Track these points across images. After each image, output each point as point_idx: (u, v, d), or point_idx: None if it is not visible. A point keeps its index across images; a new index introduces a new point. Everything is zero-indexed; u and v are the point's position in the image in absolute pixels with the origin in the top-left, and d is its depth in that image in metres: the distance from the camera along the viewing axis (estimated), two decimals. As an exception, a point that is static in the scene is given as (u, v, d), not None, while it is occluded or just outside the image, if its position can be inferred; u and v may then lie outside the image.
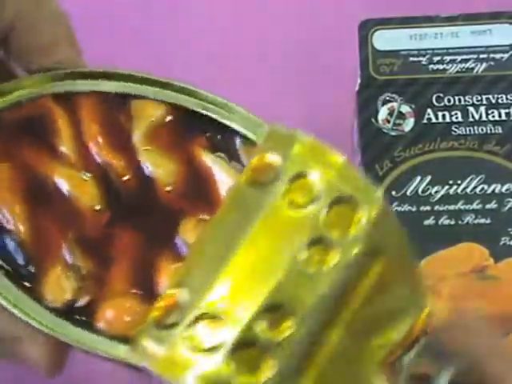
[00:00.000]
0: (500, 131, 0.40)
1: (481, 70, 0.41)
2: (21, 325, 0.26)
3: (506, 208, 0.38)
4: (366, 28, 0.43)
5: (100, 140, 0.29)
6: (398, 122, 0.40)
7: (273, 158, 0.25)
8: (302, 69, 0.48)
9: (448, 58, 0.42)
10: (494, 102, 0.41)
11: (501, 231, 0.37)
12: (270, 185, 0.24)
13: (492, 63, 0.41)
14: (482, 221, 0.38)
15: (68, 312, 0.26)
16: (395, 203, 0.38)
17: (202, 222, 0.28)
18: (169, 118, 0.30)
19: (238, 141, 0.30)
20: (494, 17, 0.43)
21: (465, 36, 0.42)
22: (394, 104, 0.41)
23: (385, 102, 0.41)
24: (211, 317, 0.23)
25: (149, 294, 0.27)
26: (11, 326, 0.27)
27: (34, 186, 0.28)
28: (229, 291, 0.23)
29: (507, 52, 0.42)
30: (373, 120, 0.41)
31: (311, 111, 0.47)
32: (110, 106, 0.30)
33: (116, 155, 0.29)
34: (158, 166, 0.29)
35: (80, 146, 0.29)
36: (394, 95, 0.41)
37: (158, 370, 0.23)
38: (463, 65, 0.42)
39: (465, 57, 0.42)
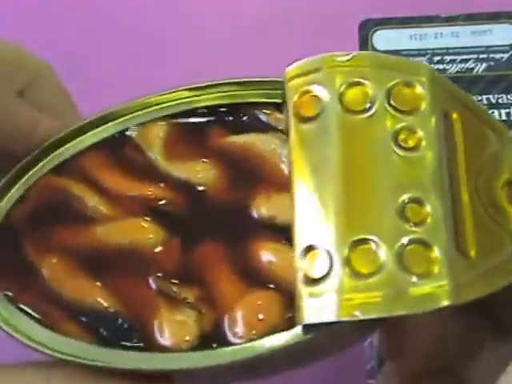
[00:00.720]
0: (500, 131, 0.40)
1: (481, 70, 0.41)
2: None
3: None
4: (366, 28, 0.43)
5: (129, 181, 0.29)
6: (398, 122, 0.40)
7: (312, 89, 0.27)
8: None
9: (448, 57, 0.42)
10: (494, 102, 0.41)
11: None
12: (322, 112, 0.27)
13: (492, 63, 0.41)
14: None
15: (203, 344, 0.26)
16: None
17: (272, 193, 0.28)
18: (175, 130, 0.30)
19: (253, 110, 0.29)
20: (494, 17, 0.43)
21: (465, 36, 0.42)
22: (394, 104, 0.41)
23: (385, 102, 0.41)
24: (359, 244, 0.25)
25: (267, 283, 0.26)
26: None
27: (91, 259, 0.28)
28: (358, 216, 0.25)
29: (507, 52, 0.42)
30: (373, 120, 0.41)
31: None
32: (113, 149, 0.30)
33: (153, 187, 0.29)
34: (195, 173, 0.29)
35: (109, 198, 0.29)
36: (394, 95, 0.41)
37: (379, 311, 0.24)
38: (463, 65, 0.42)
39: (465, 57, 0.42)
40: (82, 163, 0.29)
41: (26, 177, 0.29)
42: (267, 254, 0.27)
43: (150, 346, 0.26)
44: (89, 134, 0.30)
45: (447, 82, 0.28)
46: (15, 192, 0.29)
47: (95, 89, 0.46)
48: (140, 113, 0.30)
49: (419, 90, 0.27)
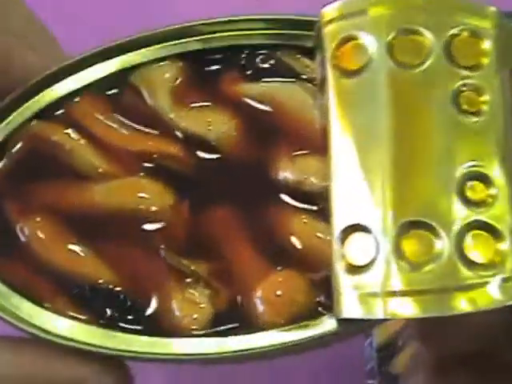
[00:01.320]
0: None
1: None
2: (86, 367, 0.23)
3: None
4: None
5: (129, 133, 0.25)
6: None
7: (355, 36, 0.23)
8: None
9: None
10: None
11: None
12: (368, 65, 0.22)
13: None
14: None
15: (218, 327, 0.22)
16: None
17: (298, 153, 0.24)
18: (184, 73, 0.25)
19: (276, 54, 0.25)
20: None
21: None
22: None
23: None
24: (410, 228, 0.21)
25: (291, 260, 0.23)
26: (78, 367, 0.23)
27: (83, 224, 0.24)
28: (409, 194, 0.21)
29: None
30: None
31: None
32: (108, 93, 0.25)
33: (157, 141, 0.24)
34: (208, 125, 0.24)
35: (105, 152, 0.24)
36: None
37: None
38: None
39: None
40: (72, 109, 0.25)
41: (5, 122, 0.24)
42: (294, 228, 0.23)
43: (156, 328, 0.22)
44: (81, 73, 0.25)
45: None
46: None
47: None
48: (143, 50, 0.25)
49: (485, 40, 0.22)
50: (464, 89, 0.22)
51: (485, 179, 0.22)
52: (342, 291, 0.21)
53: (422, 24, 0.22)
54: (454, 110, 0.22)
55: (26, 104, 0.24)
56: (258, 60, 0.24)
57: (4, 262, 0.23)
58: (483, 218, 0.21)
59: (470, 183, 0.21)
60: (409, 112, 0.22)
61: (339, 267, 0.21)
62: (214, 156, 0.24)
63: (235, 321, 0.22)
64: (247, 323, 0.22)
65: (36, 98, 0.24)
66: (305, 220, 0.23)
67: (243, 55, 0.25)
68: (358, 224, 0.22)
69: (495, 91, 0.22)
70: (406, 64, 0.22)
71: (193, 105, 0.24)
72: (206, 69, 0.25)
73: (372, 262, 0.21)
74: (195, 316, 0.22)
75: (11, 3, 0.26)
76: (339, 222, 0.22)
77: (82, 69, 0.25)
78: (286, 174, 0.23)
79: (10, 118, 0.24)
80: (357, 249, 0.21)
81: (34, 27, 0.27)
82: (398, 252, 0.21)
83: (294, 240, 0.23)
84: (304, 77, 0.24)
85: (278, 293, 0.22)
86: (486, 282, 0.21)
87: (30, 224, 0.24)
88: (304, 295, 0.22)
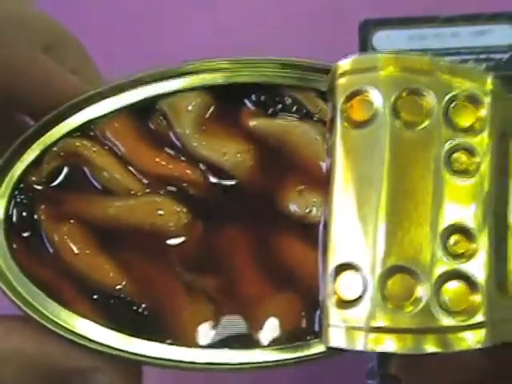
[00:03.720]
0: (500, 132, 0.40)
1: (481, 70, 0.41)
2: (97, 355, 0.25)
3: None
4: (366, 28, 0.43)
5: (153, 156, 0.27)
6: (397, 122, 0.40)
7: (365, 91, 0.25)
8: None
9: (448, 58, 0.42)
10: (493, 102, 0.40)
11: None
12: (373, 120, 0.24)
13: (492, 63, 0.41)
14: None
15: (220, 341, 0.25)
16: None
17: (303, 188, 0.26)
18: (207, 104, 0.27)
19: (292, 95, 0.27)
20: (494, 17, 0.43)
21: (465, 36, 0.42)
22: (394, 104, 0.41)
23: (385, 103, 0.41)
24: (395, 271, 0.23)
25: (288, 284, 0.25)
26: (81, 355, 0.26)
27: (106, 234, 0.26)
28: (397, 240, 0.23)
29: (507, 52, 0.42)
30: (373, 120, 0.41)
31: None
32: (139, 116, 0.27)
33: (178, 165, 0.27)
34: (223, 154, 0.26)
35: (130, 171, 0.27)
36: (393, 96, 0.41)
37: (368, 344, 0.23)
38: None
39: (465, 57, 0.42)
40: (105, 128, 0.27)
41: (45, 136, 0.27)
42: (295, 255, 0.25)
43: (164, 336, 0.25)
44: (116, 97, 0.27)
45: (510, 97, 0.26)
46: (31, 151, 0.27)
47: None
48: (173, 80, 0.27)
49: (481, 105, 0.24)
50: (457, 150, 0.24)
51: (468, 234, 0.24)
52: (330, 323, 0.24)
53: (425, 86, 0.24)
54: (446, 169, 0.24)
55: (65, 121, 0.27)
56: (276, 98, 0.27)
57: (34, 262, 0.26)
58: (462, 269, 0.23)
59: (453, 237, 0.24)
60: (405, 166, 0.24)
61: (329, 301, 0.24)
62: (229, 182, 0.26)
63: (236, 335, 0.25)
64: (247, 339, 0.24)
65: (74, 116, 0.27)
66: (305, 249, 0.25)
67: (263, 93, 0.27)
68: (350, 263, 0.24)
69: (486, 154, 0.24)
70: (407, 122, 0.24)
71: (213, 134, 0.27)
72: (229, 102, 0.27)
73: (359, 299, 0.23)
74: (201, 327, 0.25)
75: (67, 40, 0.30)
76: (333, 258, 0.24)
77: (118, 93, 0.27)
78: (292, 205, 0.26)
79: (50, 132, 0.27)
80: (346, 285, 0.24)
81: (78, 52, 0.30)
82: (383, 292, 0.23)
83: (296, 267, 0.25)
84: (316, 117, 0.26)
85: (277, 314, 0.25)
86: (460, 327, 0.23)
87: (58, 231, 0.26)
88: (300, 318, 0.25)
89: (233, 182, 0.26)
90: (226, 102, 0.27)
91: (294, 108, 0.27)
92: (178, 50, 0.48)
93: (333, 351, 0.24)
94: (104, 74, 0.31)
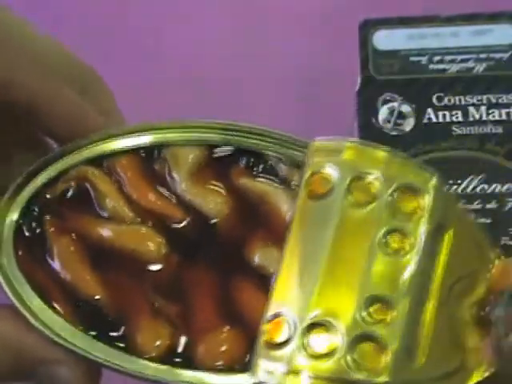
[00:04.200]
0: (500, 131, 0.40)
1: (481, 70, 0.41)
2: (60, 348, 0.29)
3: (506, 208, 0.38)
4: (366, 28, 0.43)
5: (148, 194, 0.32)
6: (398, 121, 0.40)
7: (327, 170, 0.29)
8: (302, 69, 0.48)
9: (448, 57, 0.42)
10: (494, 101, 0.41)
11: (501, 231, 0.37)
12: (329, 195, 0.29)
13: (492, 63, 0.42)
14: (482, 221, 0.38)
15: (169, 357, 0.29)
16: (395, 203, 0.38)
17: (268, 243, 0.30)
18: (203, 158, 0.32)
19: (276, 162, 0.32)
20: (494, 17, 0.43)
21: (465, 36, 0.42)
22: (394, 104, 0.41)
23: (385, 102, 0.41)
24: (319, 325, 0.27)
25: (237, 321, 0.29)
26: (51, 348, 0.29)
27: (97, 252, 0.31)
28: (328, 299, 0.27)
29: (507, 52, 0.42)
30: (373, 120, 0.41)
31: (311, 111, 0.47)
32: (145, 158, 0.32)
33: (167, 204, 0.31)
34: (208, 203, 0.31)
35: (127, 202, 0.31)
36: (394, 95, 0.41)
37: None
38: (463, 65, 0.42)
39: (465, 57, 0.42)
40: (115, 163, 0.32)
41: (64, 160, 0.32)
42: (249, 300, 0.30)
43: (124, 346, 0.29)
44: (128, 138, 0.32)
45: (451, 195, 0.29)
46: (51, 171, 0.31)
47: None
48: (179, 132, 0.32)
49: (423, 197, 0.28)
50: (393, 232, 0.28)
51: (388, 304, 0.27)
52: (258, 360, 0.28)
53: (376, 174, 0.29)
54: (380, 247, 0.28)
55: (84, 151, 0.32)
56: (261, 163, 0.32)
57: (33, 265, 0.30)
58: (376, 333, 0.27)
59: (375, 305, 0.27)
60: (347, 238, 0.28)
61: (261, 340, 0.28)
62: (208, 227, 0.31)
63: (183, 356, 0.29)
64: (191, 361, 0.28)
65: (92, 148, 0.32)
66: (259, 296, 0.29)
67: (252, 156, 0.32)
68: (283, 313, 0.28)
69: (418, 239, 0.28)
70: (356, 201, 0.29)
71: (203, 183, 0.31)
72: (220, 158, 0.32)
73: (285, 343, 0.27)
74: (156, 344, 0.28)
75: (96, 82, 0.35)
76: (272, 306, 0.28)
77: (132, 136, 0.32)
78: (256, 256, 0.30)
79: (69, 158, 0.32)
80: (277, 330, 0.28)
81: (107, 96, 0.35)
82: (306, 341, 0.27)
83: (247, 309, 0.29)
84: (290, 182, 0.31)
85: (220, 346, 0.29)
86: (367, 382, 0.26)
87: (59, 242, 0.30)
88: (243, 352, 0.28)
89: (210, 226, 0.31)
90: (219, 158, 0.32)
91: (274, 173, 0.31)
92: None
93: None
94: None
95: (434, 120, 0.40)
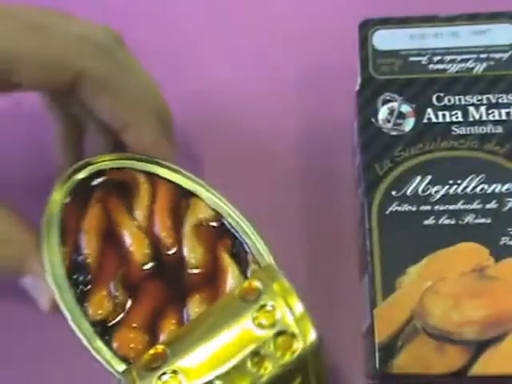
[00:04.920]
0: (500, 131, 0.40)
1: (481, 70, 0.41)
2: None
3: (506, 208, 0.38)
4: (366, 28, 0.43)
5: (165, 219, 0.37)
6: (398, 121, 0.40)
7: (259, 285, 0.33)
8: (301, 68, 0.48)
9: (448, 57, 0.42)
10: (494, 101, 0.41)
11: (501, 231, 0.37)
12: (251, 303, 0.33)
13: (492, 63, 0.42)
14: (482, 221, 0.38)
15: (99, 325, 0.35)
16: (395, 203, 0.38)
17: (204, 303, 0.35)
18: (211, 220, 0.37)
19: (250, 258, 0.36)
20: (494, 17, 0.43)
21: (465, 36, 0.42)
22: (394, 104, 0.41)
23: (385, 102, 0.41)
24: (177, 373, 0.32)
25: (152, 336, 0.35)
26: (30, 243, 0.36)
27: (109, 229, 0.37)
28: (196, 363, 0.32)
29: (507, 52, 0.42)
30: (373, 120, 0.41)
31: (311, 111, 0.47)
32: (179, 195, 0.38)
33: (170, 234, 0.37)
34: (193, 252, 0.36)
35: (149, 215, 0.37)
36: (393, 95, 0.41)
37: None
38: (463, 65, 0.42)
39: (465, 57, 0.42)
40: (157, 183, 0.38)
41: (115, 162, 0.38)
42: (167, 326, 0.35)
43: (81, 298, 0.35)
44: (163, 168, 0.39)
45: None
46: (94, 168, 0.38)
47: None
48: (208, 195, 0.38)
49: (295, 344, 0.33)
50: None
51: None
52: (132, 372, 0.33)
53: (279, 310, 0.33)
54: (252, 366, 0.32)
55: (138, 161, 0.39)
56: (237, 248, 0.37)
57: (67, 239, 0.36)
58: None
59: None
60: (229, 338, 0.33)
61: (143, 360, 0.33)
62: (182, 263, 0.36)
63: (107, 332, 0.35)
64: (111, 338, 0.35)
65: (146, 161, 0.39)
66: (175, 327, 0.35)
67: (235, 242, 0.37)
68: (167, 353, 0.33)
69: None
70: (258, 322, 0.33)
71: (199, 237, 0.37)
72: (221, 230, 0.38)
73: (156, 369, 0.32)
74: (99, 312, 0.35)
75: (169, 119, 0.41)
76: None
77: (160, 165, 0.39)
78: (190, 307, 0.35)
79: (119, 161, 0.39)
80: (156, 359, 0.33)
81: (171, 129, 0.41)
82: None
83: (162, 331, 0.35)
84: (247, 269, 0.36)
85: (130, 343, 0.34)
86: None
87: (82, 225, 0.37)
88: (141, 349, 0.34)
89: (184, 267, 0.36)
90: (219, 229, 0.38)
91: (243, 261, 0.37)
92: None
93: None
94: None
95: (434, 120, 0.40)
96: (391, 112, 0.41)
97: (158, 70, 0.40)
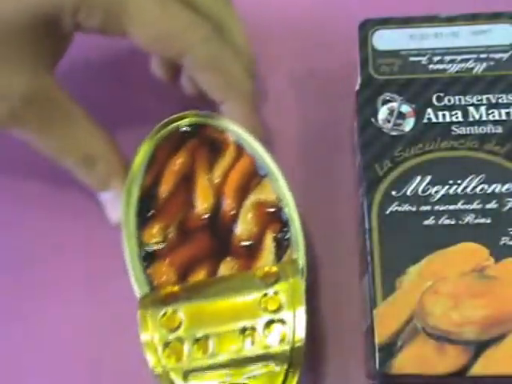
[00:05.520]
0: (500, 131, 0.40)
1: (481, 70, 0.41)
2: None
3: (506, 208, 0.38)
4: (366, 28, 0.43)
5: (234, 186, 0.41)
6: (398, 121, 0.40)
7: (280, 274, 0.37)
8: (301, 68, 0.48)
9: (448, 57, 0.42)
10: (494, 102, 0.41)
11: (501, 231, 0.37)
12: (267, 286, 0.37)
13: (492, 63, 0.41)
14: (482, 221, 0.38)
15: (144, 250, 0.40)
16: (395, 203, 0.38)
17: (234, 269, 0.39)
18: (271, 204, 0.40)
19: (288, 248, 0.39)
20: (494, 17, 0.43)
21: (465, 36, 0.42)
22: (394, 104, 0.41)
23: (385, 102, 0.41)
24: (180, 317, 0.37)
25: (180, 277, 0.39)
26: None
27: (187, 176, 0.41)
28: (199, 314, 0.37)
29: (507, 52, 0.42)
30: (373, 120, 0.41)
31: (311, 111, 0.47)
32: (255, 171, 0.41)
33: (233, 201, 0.40)
34: (245, 224, 0.40)
35: (223, 177, 0.41)
36: (394, 95, 0.41)
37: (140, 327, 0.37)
38: (463, 65, 0.42)
39: (465, 57, 0.42)
40: (243, 150, 0.42)
41: (215, 121, 0.42)
42: (198, 275, 0.40)
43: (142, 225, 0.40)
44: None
45: None
46: (202, 119, 0.42)
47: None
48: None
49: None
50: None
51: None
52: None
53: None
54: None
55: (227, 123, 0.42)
56: (283, 236, 0.40)
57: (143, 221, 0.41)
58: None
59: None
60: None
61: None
62: (232, 229, 0.40)
63: (150, 258, 0.40)
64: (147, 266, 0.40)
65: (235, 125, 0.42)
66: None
67: (283, 230, 0.40)
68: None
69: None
70: (265, 307, 0.37)
71: (257, 214, 0.41)
72: (274, 213, 0.41)
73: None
74: (152, 241, 0.40)
75: None
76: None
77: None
78: (222, 269, 0.40)
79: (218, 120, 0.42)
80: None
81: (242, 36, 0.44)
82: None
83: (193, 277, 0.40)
84: (282, 255, 0.40)
85: (161, 272, 0.40)
86: None
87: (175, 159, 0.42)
88: (166, 284, 0.40)
89: (233, 235, 0.40)
90: (273, 213, 0.41)
91: (280, 248, 0.40)
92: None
93: None
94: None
95: (434, 120, 0.40)
96: (391, 112, 0.41)
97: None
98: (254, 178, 0.41)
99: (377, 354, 0.35)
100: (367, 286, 0.37)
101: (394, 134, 0.40)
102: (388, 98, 0.41)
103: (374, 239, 0.38)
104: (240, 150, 0.42)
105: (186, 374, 0.36)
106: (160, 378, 0.36)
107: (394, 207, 0.38)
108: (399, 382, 0.36)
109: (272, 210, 0.40)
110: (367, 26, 0.43)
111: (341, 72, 0.46)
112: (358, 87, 0.42)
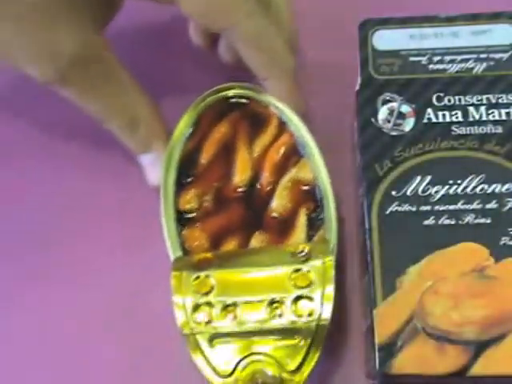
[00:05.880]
0: (500, 131, 0.40)
1: (481, 70, 0.41)
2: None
3: (506, 208, 0.38)
4: (366, 28, 0.43)
5: (273, 162, 0.42)
6: (398, 121, 0.40)
7: (312, 254, 0.38)
8: (301, 68, 0.48)
9: (448, 57, 0.42)
10: (494, 102, 0.41)
11: (501, 231, 0.37)
12: (298, 262, 0.38)
13: (492, 63, 0.41)
14: (482, 221, 0.38)
15: (181, 215, 0.41)
16: (395, 203, 0.38)
17: (265, 243, 0.40)
18: (307, 183, 0.41)
19: (321, 228, 0.40)
20: (494, 17, 0.43)
21: (465, 36, 0.42)
22: (394, 104, 0.41)
23: (385, 102, 0.41)
24: (212, 283, 0.38)
25: (212, 245, 0.40)
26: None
27: (228, 146, 0.42)
28: (229, 282, 0.38)
29: (507, 52, 0.42)
30: (373, 120, 0.41)
31: (311, 111, 0.47)
32: (295, 149, 0.42)
33: (271, 176, 0.41)
34: (280, 199, 0.41)
35: (263, 152, 0.42)
36: (393, 95, 0.41)
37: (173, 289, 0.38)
38: (463, 65, 0.42)
39: (465, 57, 0.42)
40: (285, 126, 0.43)
41: (261, 95, 0.43)
42: (230, 245, 0.41)
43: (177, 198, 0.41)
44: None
45: None
46: (249, 92, 0.43)
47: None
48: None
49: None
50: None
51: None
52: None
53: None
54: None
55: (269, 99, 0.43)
56: (316, 215, 0.41)
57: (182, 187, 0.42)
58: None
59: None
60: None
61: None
62: (268, 202, 0.41)
63: (185, 221, 0.42)
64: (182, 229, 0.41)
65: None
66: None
67: (317, 210, 0.41)
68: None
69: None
70: (295, 283, 0.38)
71: (293, 192, 0.42)
72: (308, 193, 0.42)
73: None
74: (187, 206, 0.41)
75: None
76: None
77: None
78: (253, 243, 0.40)
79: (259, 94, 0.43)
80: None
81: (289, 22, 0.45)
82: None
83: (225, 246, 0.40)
84: (313, 234, 0.41)
85: (193, 237, 0.41)
86: None
87: (218, 127, 0.43)
88: (199, 249, 0.41)
89: (268, 208, 0.41)
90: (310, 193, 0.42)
91: (314, 226, 0.41)
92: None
93: None
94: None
95: (434, 120, 0.40)
96: (391, 112, 0.41)
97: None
98: (293, 155, 0.41)
99: (377, 354, 0.35)
100: (367, 286, 0.37)
101: (393, 133, 0.40)
102: (388, 97, 0.41)
103: (373, 239, 0.38)
104: (282, 126, 0.42)
105: (211, 338, 0.36)
106: (187, 338, 0.36)
107: (394, 207, 0.38)
108: (399, 381, 0.36)
109: (307, 188, 0.41)
110: (367, 26, 0.43)
111: (341, 72, 0.46)
112: (358, 87, 0.42)
